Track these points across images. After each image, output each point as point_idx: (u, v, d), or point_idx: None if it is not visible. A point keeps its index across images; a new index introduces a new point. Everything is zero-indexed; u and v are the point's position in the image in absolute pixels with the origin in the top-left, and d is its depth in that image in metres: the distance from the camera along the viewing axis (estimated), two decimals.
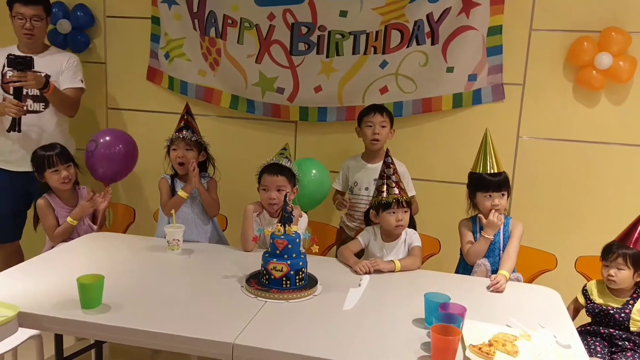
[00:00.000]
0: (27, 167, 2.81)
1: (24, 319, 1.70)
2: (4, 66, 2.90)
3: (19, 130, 2.85)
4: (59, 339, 2.02)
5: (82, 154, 3.00)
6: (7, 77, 2.90)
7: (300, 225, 2.34)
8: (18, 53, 2.94)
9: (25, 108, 2.85)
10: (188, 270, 2.23)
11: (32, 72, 2.81)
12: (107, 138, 2.99)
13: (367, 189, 2.78)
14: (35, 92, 2.91)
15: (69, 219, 2.62)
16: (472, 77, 3.01)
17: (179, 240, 2.37)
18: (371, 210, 2.39)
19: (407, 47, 3.00)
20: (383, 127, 2.75)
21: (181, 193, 2.55)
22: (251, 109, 3.33)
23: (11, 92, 2.88)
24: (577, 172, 3.01)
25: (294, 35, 3.10)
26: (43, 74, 2.94)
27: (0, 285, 1.92)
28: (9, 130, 2.85)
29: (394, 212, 2.28)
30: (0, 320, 1.62)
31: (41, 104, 2.99)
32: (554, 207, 3.05)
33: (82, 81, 3.13)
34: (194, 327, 1.67)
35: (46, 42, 3.19)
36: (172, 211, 2.47)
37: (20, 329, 1.72)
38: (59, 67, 3.06)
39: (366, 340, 1.64)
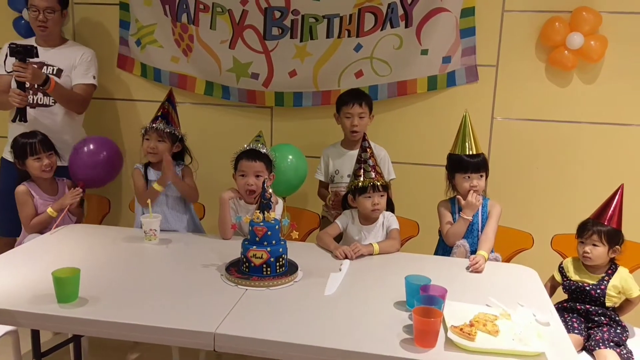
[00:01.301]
0: None
1: None
2: (6, 55, 2.82)
3: (25, 120, 2.79)
4: (35, 334, 1.98)
5: None
6: (10, 67, 2.83)
7: (277, 211, 2.32)
8: (31, 42, 2.90)
9: (27, 98, 2.77)
10: (166, 260, 2.20)
11: (33, 66, 2.75)
12: (94, 145, 2.85)
13: (349, 176, 2.76)
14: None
15: (49, 209, 2.58)
16: (446, 60, 3.02)
17: (155, 230, 2.33)
18: (349, 195, 2.38)
19: (381, 30, 2.99)
20: (362, 117, 2.72)
21: (156, 186, 2.51)
22: (226, 95, 3.28)
23: (34, 85, 2.85)
24: (551, 152, 3.05)
25: (267, 20, 3.06)
26: (52, 69, 2.91)
27: None
28: (14, 120, 2.80)
29: (369, 197, 2.28)
30: None
31: (50, 97, 2.93)
32: (529, 187, 3.09)
33: (94, 77, 3.07)
34: (174, 318, 1.65)
35: (64, 35, 3.14)
36: (148, 201, 2.43)
37: None
38: (73, 62, 3.00)
39: (348, 325, 1.65)
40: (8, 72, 2.83)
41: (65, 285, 1.71)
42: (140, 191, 2.57)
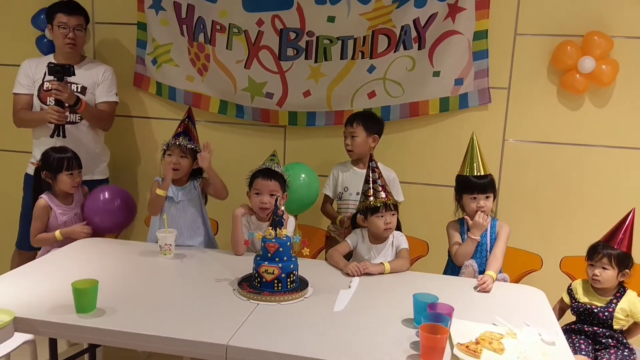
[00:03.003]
0: None
1: (19, 323, 1.72)
2: (44, 75, 2.92)
3: (64, 136, 2.89)
4: (53, 343, 2.04)
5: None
6: (46, 86, 2.94)
7: (289, 228, 2.37)
8: (50, 59, 3.01)
9: (66, 114, 2.87)
10: (181, 274, 2.25)
11: (69, 86, 2.86)
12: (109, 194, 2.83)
13: (358, 194, 2.81)
14: None
15: (57, 233, 2.63)
16: (459, 82, 3.07)
17: (171, 245, 2.39)
18: (359, 215, 2.43)
19: (395, 51, 3.05)
20: (353, 137, 2.77)
21: (159, 191, 2.57)
22: (240, 114, 3.35)
23: (48, 102, 2.96)
24: (561, 174, 3.07)
25: (282, 41, 3.14)
26: (76, 87, 3.01)
27: None
28: (52, 136, 2.89)
29: (382, 216, 2.32)
30: None
31: (77, 115, 3.03)
32: (539, 209, 3.11)
33: (116, 94, 3.18)
34: (188, 329, 1.70)
35: (83, 53, 3.24)
36: (164, 216, 2.49)
37: (15, 333, 1.73)
38: (96, 79, 3.10)
39: (356, 340, 1.68)
40: (46, 90, 2.93)
41: (84, 296, 1.77)
42: (152, 201, 2.64)
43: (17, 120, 3.09)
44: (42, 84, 3.03)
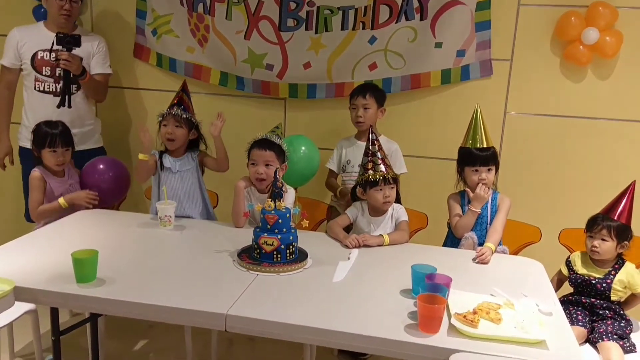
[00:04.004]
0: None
1: (20, 293, 1.73)
2: (52, 44, 2.88)
3: (69, 106, 2.90)
4: (54, 313, 2.06)
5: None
6: (54, 56, 2.90)
7: (288, 200, 2.37)
8: (46, 32, 2.98)
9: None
10: (180, 245, 2.27)
11: (77, 57, 2.86)
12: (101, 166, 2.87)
13: (359, 166, 2.80)
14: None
15: (61, 200, 2.60)
16: (461, 53, 3.03)
17: (170, 217, 2.40)
18: (358, 187, 2.42)
19: (396, 22, 3.01)
20: (366, 109, 2.76)
21: (141, 156, 2.55)
22: (241, 86, 3.33)
23: (44, 71, 2.94)
24: (562, 147, 3.06)
25: (282, 11, 3.10)
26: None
27: None
28: (58, 106, 2.88)
29: (381, 189, 2.32)
30: None
31: (74, 86, 3.01)
32: (540, 181, 3.11)
33: (110, 66, 3.18)
34: (188, 299, 1.71)
35: (82, 25, 3.24)
36: (164, 188, 2.50)
37: (16, 303, 1.75)
38: (90, 50, 3.08)
39: (355, 310, 1.69)
40: (54, 60, 2.89)
41: (84, 266, 1.78)
42: (136, 168, 2.63)
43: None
44: (36, 53, 2.99)
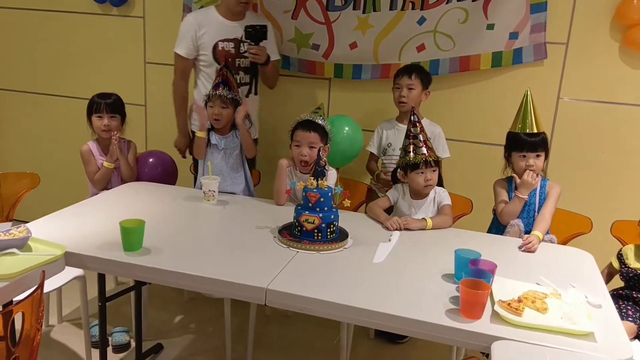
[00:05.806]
0: None
1: (70, 258, 1.80)
2: (240, 37, 2.84)
3: (256, 93, 2.93)
4: (101, 280, 2.12)
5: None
6: (242, 49, 2.87)
7: (330, 180, 2.36)
8: (223, 20, 2.85)
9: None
10: (223, 219, 2.29)
11: (264, 48, 2.82)
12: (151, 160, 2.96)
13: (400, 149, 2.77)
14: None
15: (105, 163, 2.72)
16: (514, 35, 2.92)
17: (214, 192, 2.43)
18: (399, 170, 2.38)
19: (447, 2, 2.93)
20: (410, 89, 2.70)
21: (198, 133, 2.62)
22: (286, 65, 3.32)
23: (236, 64, 2.86)
24: (617, 136, 2.93)
25: None
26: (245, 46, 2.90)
27: (49, 227, 2.02)
28: (247, 95, 2.91)
29: (422, 172, 2.28)
30: (49, 258, 1.71)
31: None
32: (592, 170, 2.99)
33: (279, 52, 3.09)
34: (230, 272, 1.73)
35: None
36: (208, 163, 2.53)
37: (65, 269, 1.81)
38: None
39: (395, 291, 1.68)
40: (242, 52, 2.86)
41: (131, 234, 1.82)
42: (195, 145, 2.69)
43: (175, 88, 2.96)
44: (217, 44, 2.84)
